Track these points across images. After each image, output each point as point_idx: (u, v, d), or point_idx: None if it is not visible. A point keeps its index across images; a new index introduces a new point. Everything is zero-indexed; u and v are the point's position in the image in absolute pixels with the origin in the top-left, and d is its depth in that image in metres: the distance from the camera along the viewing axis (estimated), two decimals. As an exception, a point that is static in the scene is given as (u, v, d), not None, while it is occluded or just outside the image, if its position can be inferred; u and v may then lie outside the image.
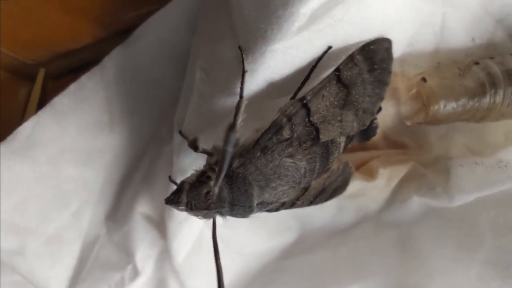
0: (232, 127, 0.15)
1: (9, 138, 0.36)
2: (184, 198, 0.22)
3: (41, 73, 0.40)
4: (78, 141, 0.37)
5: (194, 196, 0.22)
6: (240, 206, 0.23)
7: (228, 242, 0.38)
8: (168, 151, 0.37)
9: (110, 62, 0.36)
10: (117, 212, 0.38)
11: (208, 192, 0.22)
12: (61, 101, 0.36)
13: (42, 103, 0.39)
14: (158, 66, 0.37)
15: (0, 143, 0.35)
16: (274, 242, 0.40)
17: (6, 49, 0.39)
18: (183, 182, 0.22)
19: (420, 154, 0.39)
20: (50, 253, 0.37)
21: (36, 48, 0.39)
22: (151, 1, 0.37)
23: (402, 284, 0.36)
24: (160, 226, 0.38)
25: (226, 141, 0.16)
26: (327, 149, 0.26)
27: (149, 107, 0.38)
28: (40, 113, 0.36)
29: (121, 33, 0.37)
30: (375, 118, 0.31)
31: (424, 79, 0.33)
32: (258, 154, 0.23)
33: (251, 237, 0.39)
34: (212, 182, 0.22)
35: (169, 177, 0.30)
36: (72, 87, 0.36)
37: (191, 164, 0.30)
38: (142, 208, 0.38)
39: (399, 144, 0.40)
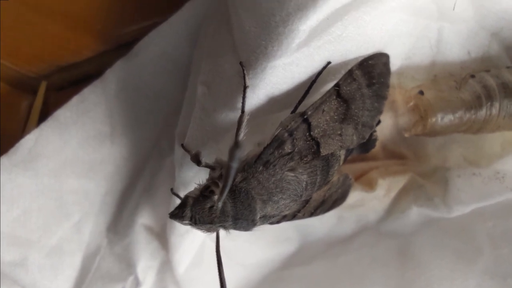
0: (236, 143, 0.16)
1: (12, 150, 0.36)
2: (188, 213, 0.22)
3: (43, 86, 0.40)
4: (79, 153, 0.37)
5: (198, 211, 0.22)
6: (243, 220, 0.23)
7: (229, 253, 0.38)
8: (169, 163, 0.37)
9: (112, 75, 0.37)
10: (118, 223, 0.39)
11: (211, 207, 0.22)
12: (63, 113, 0.36)
13: (44, 115, 0.40)
14: (159, 79, 0.38)
15: (3, 156, 0.36)
16: (274, 253, 0.41)
17: (8, 63, 0.39)
18: (187, 197, 0.23)
19: (419, 165, 0.39)
20: (52, 265, 0.37)
21: (38, 61, 0.39)
22: (152, 15, 0.38)
23: (402, 293, 0.36)
24: (161, 237, 0.38)
25: (231, 157, 0.16)
26: (328, 162, 0.26)
27: (150, 119, 0.39)
28: (42, 125, 0.36)
29: (123, 47, 0.38)
30: (375, 131, 0.32)
31: (421, 92, 0.33)
32: (260, 168, 0.23)
33: (252, 248, 0.39)
34: (215, 197, 0.22)
35: (171, 190, 0.31)
36: (74, 100, 0.37)
37: (193, 177, 0.30)
38: (143, 219, 0.38)
39: (398, 155, 0.40)
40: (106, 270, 0.38)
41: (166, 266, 0.38)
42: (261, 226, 0.31)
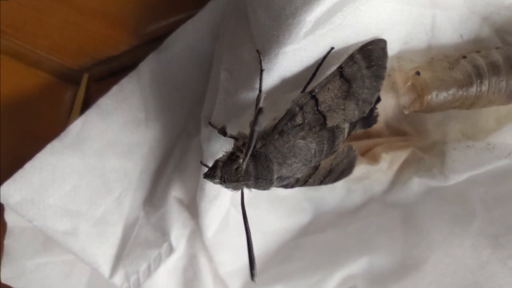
0: (259, 111, 0.21)
1: (62, 134, 0.41)
2: (218, 173, 0.27)
3: (85, 77, 0.45)
4: (119, 136, 0.42)
5: (227, 171, 0.27)
6: (263, 179, 0.28)
7: (251, 220, 0.42)
8: (196, 143, 0.42)
9: (145, 67, 0.41)
10: (153, 197, 0.43)
11: (237, 168, 0.27)
12: (105, 101, 0.41)
13: (85, 103, 0.45)
14: (185, 70, 0.42)
15: (55, 139, 0.41)
16: (291, 222, 0.44)
17: (55, 57, 0.44)
18: (217, 161, 0.28)
19: (419, 140, 0.43)
20: (98, 234, 0.42)
21: (81, 56, 0.44)
22: (180, 12, 0.42)
23: (406, 256, 0.40)
24: (191, 209, 0.42)
25: (255, 122, 0.21)
26: (333, 133, 0.31)
27: (179, 105, 0.43)
28: (87, 112, 0.41)
29: (154, 41, 0.43)
30: (376, 108, 0.36)
31: (418, 73, 0.37)
32: (276, 136, 0.28)
33: (271, 217, 0.43)
34: (240, 160, 0.27)
35: (201, 161, 0.36)
36: (114, 90, 0.41)
37: (219, 149, 0.35)
38: (175, 192, 0.42)
39: (401, 132, 0.44)
40: (144, 238, 0.43)
41: (195, 234, 0.43)
42: (279, 195, 0.35)
